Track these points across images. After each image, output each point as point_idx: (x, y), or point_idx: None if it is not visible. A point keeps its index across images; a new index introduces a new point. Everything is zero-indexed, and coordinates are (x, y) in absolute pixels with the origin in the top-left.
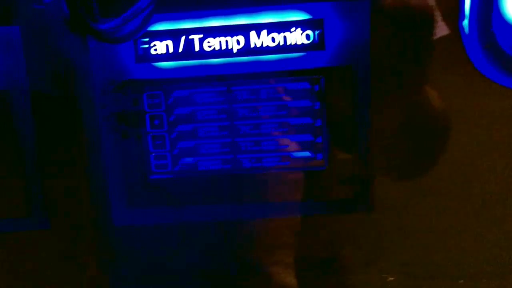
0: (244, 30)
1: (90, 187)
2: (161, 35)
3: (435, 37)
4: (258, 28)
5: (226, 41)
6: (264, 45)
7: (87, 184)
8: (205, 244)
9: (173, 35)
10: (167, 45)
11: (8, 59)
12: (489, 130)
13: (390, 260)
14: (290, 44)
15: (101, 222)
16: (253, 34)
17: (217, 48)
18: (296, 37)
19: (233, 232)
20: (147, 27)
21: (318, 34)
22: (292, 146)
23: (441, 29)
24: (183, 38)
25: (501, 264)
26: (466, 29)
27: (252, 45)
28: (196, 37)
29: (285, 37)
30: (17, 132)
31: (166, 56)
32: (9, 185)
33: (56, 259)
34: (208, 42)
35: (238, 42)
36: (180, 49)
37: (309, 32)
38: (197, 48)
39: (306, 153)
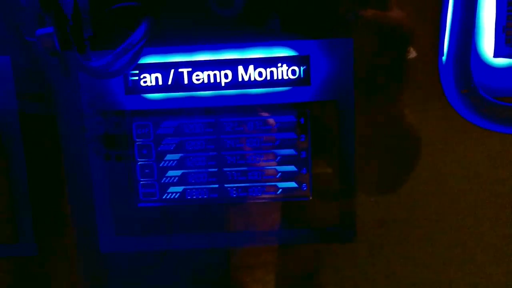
0: (232, 64)
1: (78, 214)
2: (151, 68)
3: (416, 72)
4: (246, 63)
5: (215, 75)
6: (252, 79)
7: (75, 210)
8: (191, 271)
9: (163, 68)
10: (156, 78)
11: None
12: (471, 163)
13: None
14: (277, 79)
15: (88, 249)
16: (240, 68)
17: (206, 81)
18: (283, 72)
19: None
20: (138, 61)
21: (304, 70)
22: (278, 176)
23: (423, 63)
24: (172, 71)
25: None
26: (444, 67)
27: (240, 79)
28: (185, 70)
29: (271, 72)
30: (6, 156)
31: (155, 88)
32: None
33: (43, 285)
34: (197, 75)
35: (226, 76)
36: (169, 82)
37: (295, 68)
38: (186, 81)
39: (291, 184)
